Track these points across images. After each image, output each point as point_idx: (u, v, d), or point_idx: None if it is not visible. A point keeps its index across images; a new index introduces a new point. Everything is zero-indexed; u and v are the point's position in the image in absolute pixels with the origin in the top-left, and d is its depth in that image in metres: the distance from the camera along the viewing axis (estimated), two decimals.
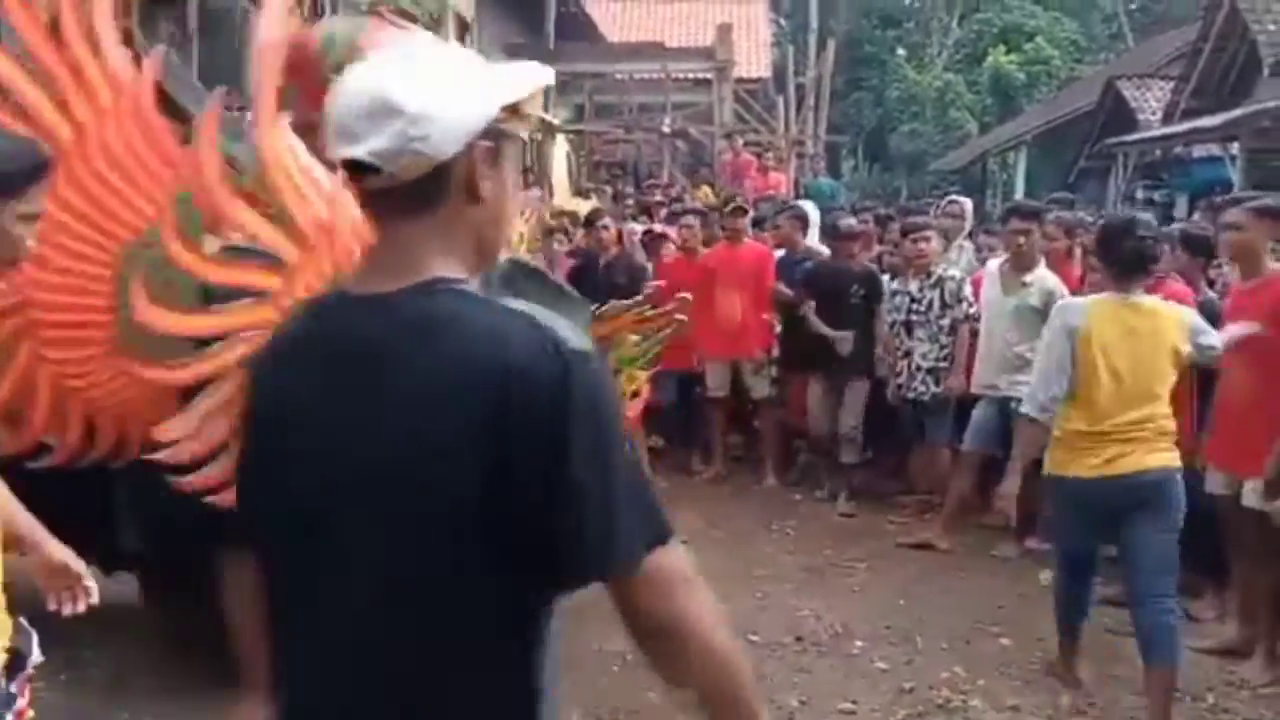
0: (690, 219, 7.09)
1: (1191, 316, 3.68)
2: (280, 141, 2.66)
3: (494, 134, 1.22)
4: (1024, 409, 3.75)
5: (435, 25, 10.16)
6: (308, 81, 2.66)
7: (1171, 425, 3.54)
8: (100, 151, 2.80)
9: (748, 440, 6.97)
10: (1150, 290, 3.74)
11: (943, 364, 5.62)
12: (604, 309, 3.55)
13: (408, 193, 1.19)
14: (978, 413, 5.29)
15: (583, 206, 9.99)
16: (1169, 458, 3.50)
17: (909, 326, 5.75)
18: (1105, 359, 3.45)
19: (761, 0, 23.60)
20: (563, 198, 11.56)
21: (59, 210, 2.73)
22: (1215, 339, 3.67)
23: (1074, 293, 4.84)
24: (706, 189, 11.94)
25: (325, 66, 2.70)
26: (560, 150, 12.86)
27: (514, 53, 15.74)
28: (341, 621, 1.22)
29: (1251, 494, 3.78)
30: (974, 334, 5.51)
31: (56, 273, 2.81)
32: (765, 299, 6.43)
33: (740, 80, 17.35)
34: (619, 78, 16.38)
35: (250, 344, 2.53)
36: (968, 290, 5.62)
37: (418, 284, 1.20)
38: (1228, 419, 4.01)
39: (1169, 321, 3.55)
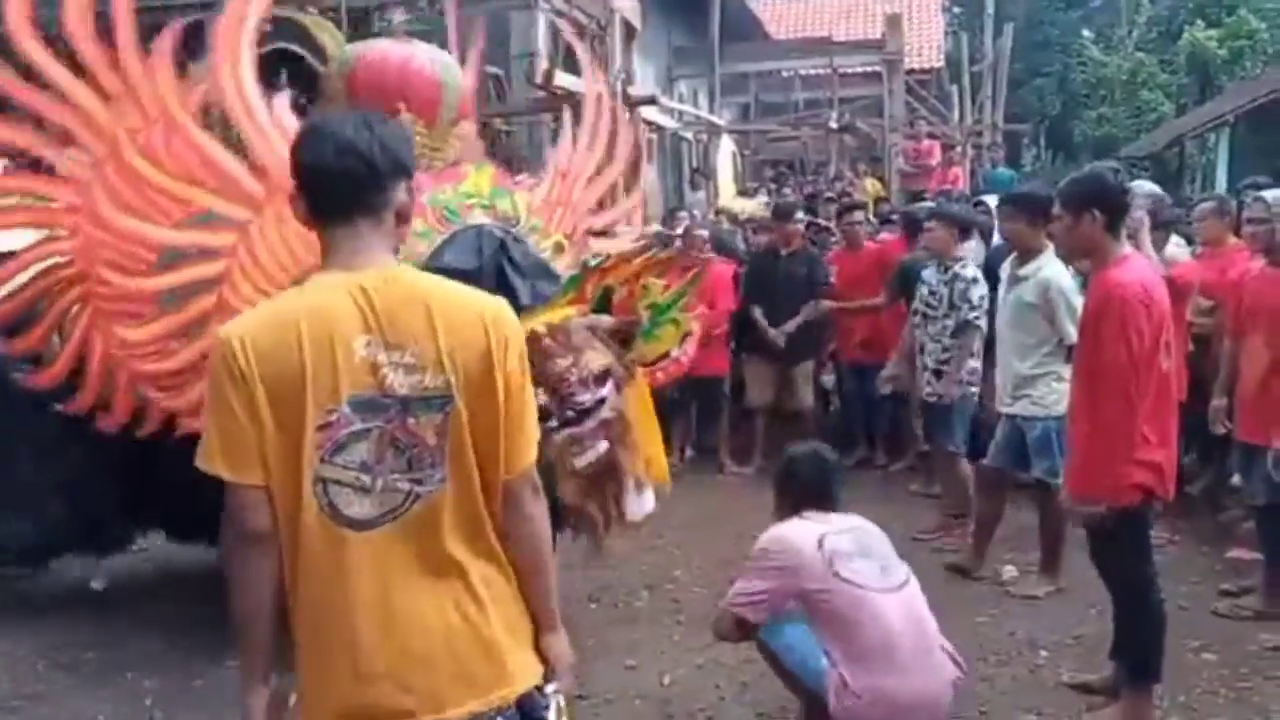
0: (857, 214, 7.14)
1: None
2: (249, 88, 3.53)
3: None
4: None
5: (602, 32, 10.29)
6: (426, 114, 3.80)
7: None
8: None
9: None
10: None
11: (944, 367, 5.25)
12: (601, 260, 3.46)
13: None
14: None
15: (746, 205, 9.91)
16: None
17: (924, 319, 5.40)
18: None
19: None
20: (727, 198, 11.52)
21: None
22: None
23: None
24: (874, 182, 11.62)
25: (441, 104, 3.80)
26: (726, 150, 12.80)
27: (680, 56, 15.83)
28: None
29: None
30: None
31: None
32: None
33: (912, 71, 16.84)
34: (786, 75, 16.19)
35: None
36: (976, 293, 5.16)
37: None
38: None
39: None
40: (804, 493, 3.32)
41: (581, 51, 5.15)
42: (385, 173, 1.70)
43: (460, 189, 3.59)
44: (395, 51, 3.91)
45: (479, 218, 3.49)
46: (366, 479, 1.65)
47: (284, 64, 4.46)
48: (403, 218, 1.75)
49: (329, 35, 4.35)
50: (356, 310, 1.65)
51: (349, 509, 1.65)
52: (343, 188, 1.69)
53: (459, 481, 1.69)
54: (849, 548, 3.14)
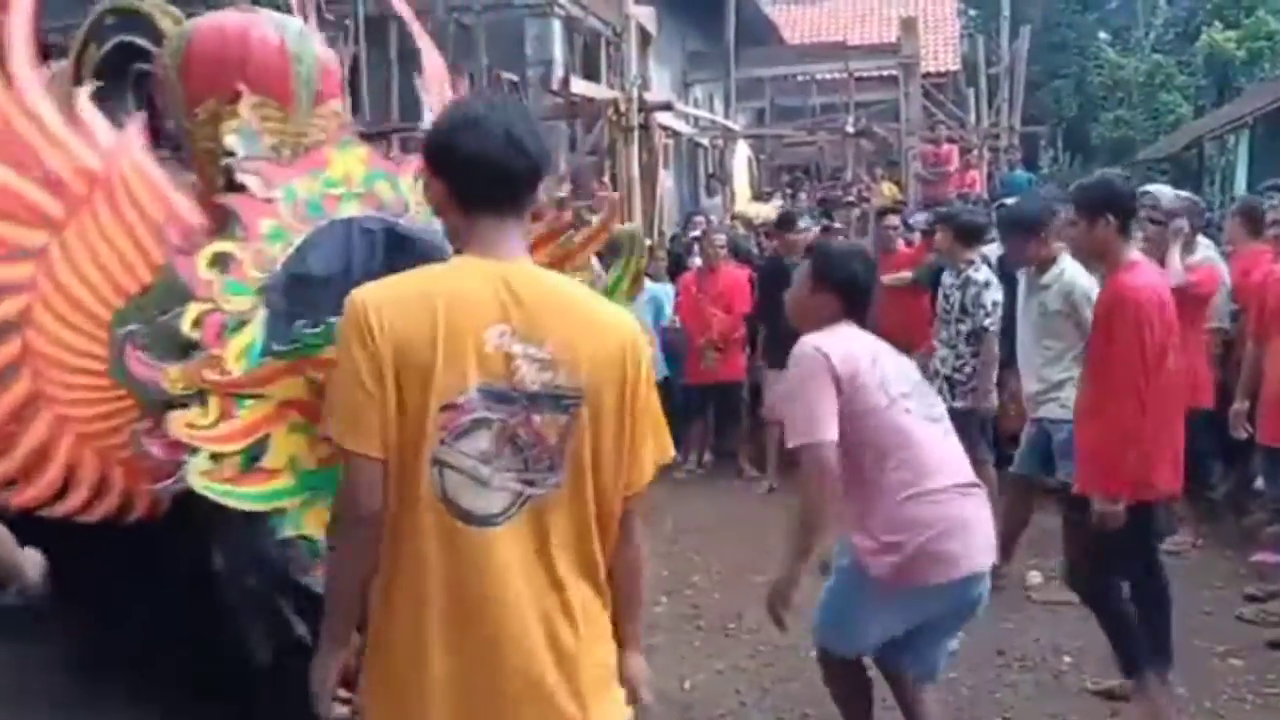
0: (892, 218, 7.12)
1: None
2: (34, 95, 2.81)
3: None
4: None
5: (618, 38, 10.32)
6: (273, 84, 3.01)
7: None
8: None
9: None
10: None
11: (957, 375, 5.12)
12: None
13: None
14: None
15: (762, 210, 9.92)
16: None
17: (938, 322, 5.30)
18: None
19: None
20: (743, 203, 11.52)
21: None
22: None
23: None
24: (891, 186, 11.60)
25: (294, 78, 3.05)
26: (742, 155, 12.80)
27: (695, 61, 15.84)
28: None
29: None
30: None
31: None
32: None
33: (928, 75, 16.80)
34: (801, 79, 16.18)
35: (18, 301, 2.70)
36: (990, 297, 5.04)
37: None
38: None
39: None
40: (851, 292, 2.81)
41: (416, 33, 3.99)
42: (540, 170, 1.69)
43: (323, 178, 2.94)
44: (233, 21, 3.30)
45: (350, 209, 2.87)
46: (485, 470, 1.60)
47: (129, 59, 3.92)
48: (536, 215, 1.78)
49: (171, 20, 3.59)
50: (497, 300, 1.62)
51: (461, 500, 1.60)
52: (503, 182, 1.66)
53: (574, 489, 1.65)
54: (893, 372, 2.76)
